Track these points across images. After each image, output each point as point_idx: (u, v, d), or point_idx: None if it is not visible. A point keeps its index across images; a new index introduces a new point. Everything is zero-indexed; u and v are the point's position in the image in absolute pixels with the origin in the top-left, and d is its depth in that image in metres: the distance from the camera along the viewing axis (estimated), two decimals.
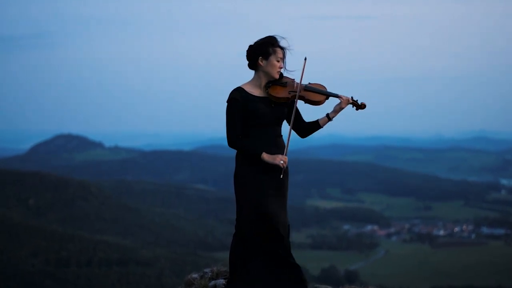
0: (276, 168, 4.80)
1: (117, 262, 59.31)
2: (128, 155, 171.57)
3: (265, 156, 4.73)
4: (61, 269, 57.45)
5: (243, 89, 4.87)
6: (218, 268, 5.74)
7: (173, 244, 75.64)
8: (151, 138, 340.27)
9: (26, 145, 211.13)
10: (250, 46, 4.88)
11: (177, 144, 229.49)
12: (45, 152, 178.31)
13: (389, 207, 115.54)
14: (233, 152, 4.89)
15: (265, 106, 4.85)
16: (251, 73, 4.95)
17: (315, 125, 4.99)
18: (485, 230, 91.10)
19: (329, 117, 4.96)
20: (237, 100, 4.80)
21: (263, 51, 4.84)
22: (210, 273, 5.71)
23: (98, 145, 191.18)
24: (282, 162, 4.74)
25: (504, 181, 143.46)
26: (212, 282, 5.49)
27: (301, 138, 5.16)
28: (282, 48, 4.87)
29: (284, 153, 4.80)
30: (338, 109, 4.94)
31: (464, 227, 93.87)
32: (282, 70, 4.94)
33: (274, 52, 4.84)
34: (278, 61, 4.86)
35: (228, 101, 4.83)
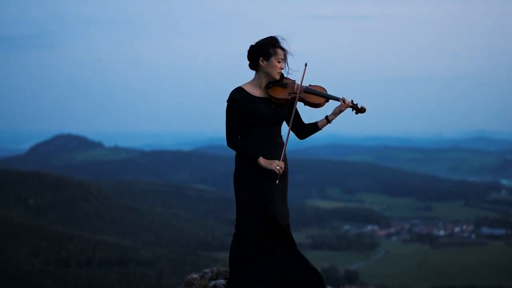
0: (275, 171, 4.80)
1: (117, 262, 59.32)
2: (128, 155, 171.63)
3: (262, 161, 4.72)
4: (61, 269, 57.47)
5: (243, 89, 4.86)
6: (218, 268, 5.73)
7: (173, 244, 75.66)
8: (151, 138, 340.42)
9: (26, 145, 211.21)
10: (251, 46, 4.87)
11: (177, 144, 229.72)
12: (45, 152, 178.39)
13: (389, 207, 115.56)
14: (233, 152, 4.88)
15: (265, 107, 4.84)
16: (252, 73, 4.94)
17: (314, 127, 4.98)
18: (485, 230, 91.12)
19: (328, 120, 4.94)
20: (237, 100, 4.79)
21: (264, 51, 4.82)
22: (210, 273, 5.70)
23: (98, 145, 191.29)
24: (278, 168, 4.73)
25: (504, 181, 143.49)
26: (212, 282, 5.49)
27: (300, 139, 5.15)
28: (283, 49, 4.87)
29: (281, 158, 4.78)
30: (337, 111, 4.93)
31: (464, 227, 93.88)
32: (283, 71, 4.93)
33: (275, 53, 4.83)
34: (279, 62, 4.85)
35: (228, 101, 4.82)
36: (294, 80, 4.95)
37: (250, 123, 4.81)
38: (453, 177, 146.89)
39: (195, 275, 5.76)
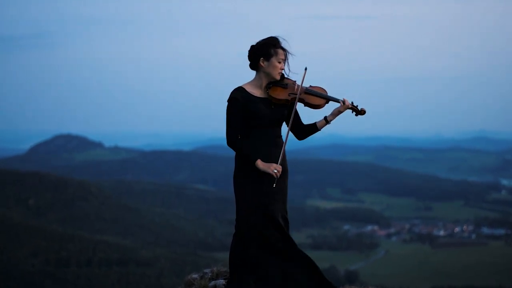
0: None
1: (117, 262, 59.32)
2: (128, 155, 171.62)
3: (260, 163, 4.72)
4: (61, 269, 57.47)
5: (244, 89, 4.86)
6: (218, 269, 5.72)
7: (173, 244, 75.65)
8: (151, 138, 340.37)
9: (26, 145, 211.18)
10: (252, 47, 4.87)
11: (177, 144, 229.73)
12: (45, 152, 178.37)
13: (389, 207, 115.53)
14: (233, 152, 4.88)
15: (266, 107, 4.84)
16: (251, 73, 4.95)
17: (313, 128, 4.97)
18: (485, 230, 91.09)
19: (327, 120, 4.94)
20: (238, 99, 4.79)
21: (264, 52, 4.82)
22: (210, 274, 5.70)
23: (98, 145, 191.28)
24: (275, 171, 4.72)
25: (504, 181, 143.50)
26: (212, 283, 5.48)
27: (298, 140, 5.14)
28: (284, 50, 4.86)
29: (278, 161, 4.78)
30: (336, 112, 4.92)
31: (464, 227, 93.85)
32: (283, 72, 4.93)
33: (276, 54, 4.83)
34: (279, 63, 4.85)
35: (228, 101, 4.82)
36: (295, 81, 4.95)
37: (250, 123, 4.81)
38: (453, 177, 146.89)
39: (195, 275, 5.75)
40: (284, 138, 4.90)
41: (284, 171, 4.89)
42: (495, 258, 70.55)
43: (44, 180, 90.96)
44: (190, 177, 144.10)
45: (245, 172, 4.81)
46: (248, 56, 4.89)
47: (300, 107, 4.95)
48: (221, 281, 5.42)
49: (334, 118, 4.93)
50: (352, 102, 4.96)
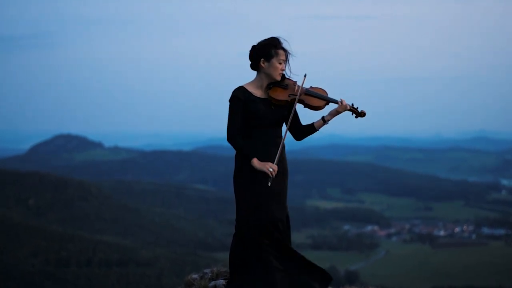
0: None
1: (117, 262, 59.33)
2: (128, 155, 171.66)
3: (255, 162, 4.72)
4: (61, 269, 57.48)
5: (245, 88, 4.87)
6: (218, 269, 5.72)
7: (173, 244, 75.66)
8: (151, 138, 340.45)
9: (26, 145, 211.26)
10: (253, 47, 4.88)
11: (177, 144, 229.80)
12: (45, 152, 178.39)
13: (389, 207, 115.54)
14: (233, 152, 4.88)
15: (266, 107, 4.85)
16: (252, 73, 4.96)
17: (310, 128, 4.97)
18: (485, 230, 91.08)
19: (324, 120, 4.94)
20: (240, 98, 4.81)
21: (265, 53, 4.83)
22: (210, 274, 5.69)
23: (98, 145, 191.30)
24: (271, 170, 4.72)
25: (504, 181, 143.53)
26: (212, 283, 5.47)
27: (296, 140, 5.15)
28: (285, 50, 4.86)
29: (275, 161, 4.77)
30: (334, 112, 4.92)
31: (465, 227, 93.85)
32: (285, 72, 4.93)
33: (277, 54, 4.83)
34: (280, 64, 4.85)
35: (230, 99, 4.83)
36: (295, 82, 4.95)
37: (251, 123, 4.82)
38: (453, 177, 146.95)
39: (195, 275, 5.75)
40: (285, 138, 4.91)
41: (284, 171, 4.89)
42: (495, 258, 70.55)
43: (44, 180, 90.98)
44: (190, 177, 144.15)
45: (245, 172, 4.81)
46: (249, 56, 4.90)
47: (299, 108, 4.95)
48: (221, 281, 5.41)
49: (331, 118, 4.93)
50: (352, 104, 4.95)
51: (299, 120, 5.01)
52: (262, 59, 4.83)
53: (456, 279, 63.73)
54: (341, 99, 4.91)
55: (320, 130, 5.00)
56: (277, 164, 4.77)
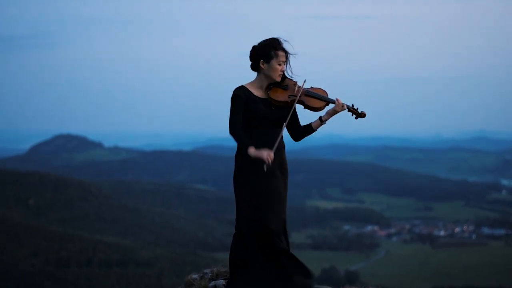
0: (274, 171, 4.80)
1: (117, 263, 59.33)
2: (128, 155, 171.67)
3: (252, 150, 4.67)
4: (61, 269, 57.49)
5: (246, 88, 4.88)
6: (218, 269, 5.71)
7: (173, 244, 75.66)
8: (151, 138, 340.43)
9: (26, 145, 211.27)
10: (253, 47, 4.88)
11: (177, 144, 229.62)
12: (45, 152, 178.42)
13: (390, 208, 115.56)
14: (233, 152, 4.88)
15: (266, 108, 4.85)
16: (252, 73, 4.97)
17: (308, 129, 4.97)
18: (485, 230, 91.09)
19: (321, 120, 4.93)
20: (241, 97, 4.82)
21: (264, 54, 4.83)
22: (210, 274, 5.69)
23: (97, 145, 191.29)
24: (267, 157, 4.63)
25: (504, 181, 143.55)
26: (212, 283, 5.47)
27: (294, 141, 5.14)
28: (285, 51, 4.85)
29: (273, 149, 4.71)
30: (331, 112, 4.91)
31: (465, 227, 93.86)
32: (285, 72, 4.93)
33: (276, 56, 4.83)
34: (279, 65, 4.85)
35: (232, 98, 4.83)
36: (296, 82, 4.94)
37: (251, 123, 4.83)
38: (453, 177, 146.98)
39: (195, 276, 5.75)
40: (284, 139, 4.91)
41: (284, 171, 4.90)
42: (496, 258, 70.56)
43: (44, 180, 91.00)
44: (190, 177, 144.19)
45: (245, 173, 4.82)
46: (249, 57, 4.91)
47: (299, 109, 4.95)
48: (221, 282, 5.41)
49: (329, 118, 4.93)
50: (352, 105, 4.95)
51: (298, 121, 5.01)
52: (262, 60, 4.84)
53: (456, 279, 63.73)
54: (336, 98, 4.91)
55: (318, 130, 5.00)
56: (277, 158, 4.76)
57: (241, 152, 4.81)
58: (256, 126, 4.82)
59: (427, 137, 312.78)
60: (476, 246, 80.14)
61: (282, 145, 4.92)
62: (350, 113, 4.96)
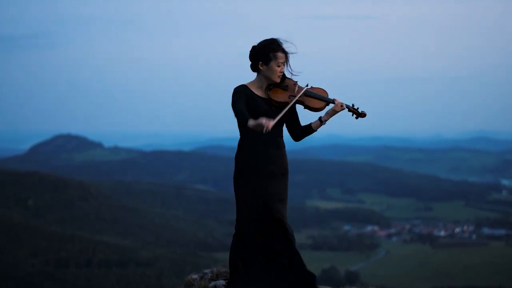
0: (275, 171, 4.80)
1: (116, 263, 59.33)
2: (127, 155, 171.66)
3: (251, 122, 4.55)
4: (60, 270, 57.49)
5: (247, 86, 4.88)
6: (218, 269, 5.71)
7: (173, 244, 75.67)
8: (151, 138, 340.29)
9: (26, 145, 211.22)
10: (253, 48, 4.88)
11: (177, 144, 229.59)
12: (44, 153, 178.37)
13: (390, 208, 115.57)
14: (233, 152, 4.86)
15: (266, 107, 4.85)
16: (251, 73, 4.97)
17: (308, 129, 4.97)
18: (486, 230, 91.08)
19: (321, 121, 4.93)
20: (242, 92, 4.81)
21: (263, 56, 4.82)
22: (210, 274, 5.68)
23: (97, 145, 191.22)
24: (266, 123, 4.49)
25: (505, 182, 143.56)
26: (212, 283, 5.46)
27: (295, 141, 5.13)
28: (284, 52, 4.83)
29: (275, 120, 4.59)
30: (331, 112, 4.91)
31: (465, 227, 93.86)
32: (285, 71, 4.91)
33: (275, 57, 4.82)
34: (279, 66, 4.83)
35: (233, 93, 4.79)
36: (296, 82, 4.93)
37: None
38: (453, 177, 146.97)
39: (195, 276, 5.74)
40: (284, 139, 4.91)
41: (285, 171, 4.89)
42: (496, 259, 70.58)
43: (44, 180, 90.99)
44: (190, 177, 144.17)
45: (245, 173, 4.81)
46: (249, 57, 4.90)
47: (299, 109, 4.94)
48: (221, 282, 5.40)
49: (329, 118, 4.92)
50: (353, 105, 4.95)
51: (299, 121, 5.01)
52: (260, 62, 4.83)
53: (456, 279, 63.75)
54: (334, 99, 4.90)
55: (318, 130, 4.99)
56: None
57: (241, 153, 4.81)
58: None
59: (427, 137, 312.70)
60: (476, 246, 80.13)
61: (282, 145, 4.92)
62: (351, 113, 4.96)
